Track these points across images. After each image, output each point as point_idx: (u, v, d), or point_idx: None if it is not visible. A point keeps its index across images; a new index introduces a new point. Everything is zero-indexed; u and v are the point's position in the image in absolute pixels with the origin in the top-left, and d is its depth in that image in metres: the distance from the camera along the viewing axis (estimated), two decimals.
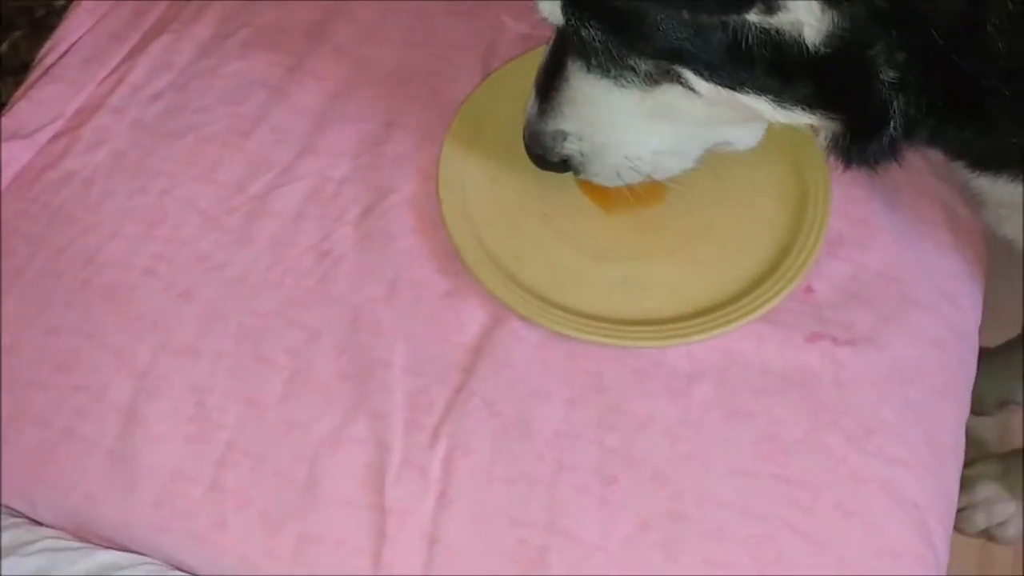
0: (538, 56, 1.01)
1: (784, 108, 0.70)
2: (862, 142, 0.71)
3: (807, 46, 0.65)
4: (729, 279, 0.90)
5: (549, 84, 0.80)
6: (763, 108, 0.70)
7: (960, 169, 0.82)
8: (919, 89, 0.68)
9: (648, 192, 0.93)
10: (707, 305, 0.89)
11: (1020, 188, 0.78)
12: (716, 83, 0.70)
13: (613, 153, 0.81)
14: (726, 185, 0.94)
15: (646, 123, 0.78)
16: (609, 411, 0.84)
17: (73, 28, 1.07)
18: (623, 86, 0.74)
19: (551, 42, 0.80)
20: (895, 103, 0.68)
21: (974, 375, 0.94)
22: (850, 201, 0.95)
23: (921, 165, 1.00)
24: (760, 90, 0.70)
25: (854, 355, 0.87)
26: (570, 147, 0.82)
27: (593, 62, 0.74)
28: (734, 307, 0.88)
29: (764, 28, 0.65)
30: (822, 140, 0.74)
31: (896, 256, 0.94)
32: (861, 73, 0.67)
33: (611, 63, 0.73)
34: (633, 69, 0.72)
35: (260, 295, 0.90)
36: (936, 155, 0.99)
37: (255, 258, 0.92)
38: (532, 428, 0.83)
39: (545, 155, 0.84)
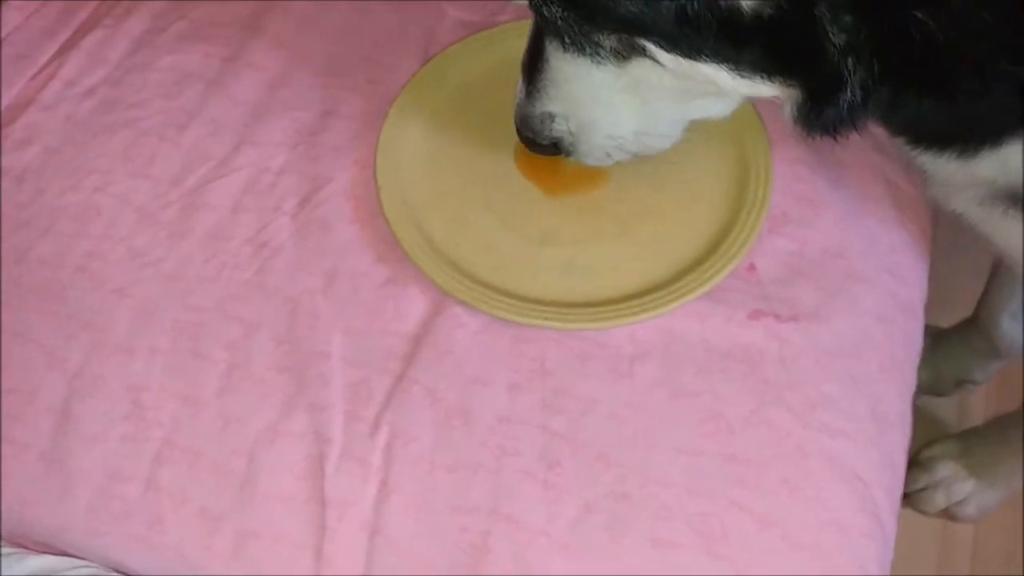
0: (476, 42, 1.02)
1: (743, 77, 0.69)
2: (820, 108, 0.69)
3: (746, 10, 0.64)
4: (671, 259, 0.90)
5: (533, 66, 0.79)
6: (722, 78, 0.69)
7: (904, 146, 0.82)
8: (870, 52, 0.65)
9: (592, 175, 0.93)
10: (649, 285, 0.88)
11: (964, 165, 0.77)
12: (676, 54, 0.69)
13: (597, 132, 0.81)
14: (669, 167, 0.93)
15: (624, 100, 0.77)
16: (553, 395, 0.83)
17: (3, 25, 1.05)
18: (599, 63, 0.73)
19: (532, 24, 0.79)
20: (848, 67, 0.66)
21: (920, 349, 0.93)
22: (794, 179, 0.95)
23: (865, 142, 0.99)
24: (716, 58, 0.68)
25: (797, 331, 0.87)
26: (558, 128, 0.82)
27: (567, 40, 0.73)
28: (676, 286, 0.87)
29: None
30: (787, 111, 0.73)
31: (840, 232, 0.93)
32: (809, 36, 0.65)
33: (582, 40, 0.72)
34: (600, 44, 0.72)
35: (196, 290, 0.89)
36: (880, 131, 1.00)
37: (191, 252, 0.91)
38: (474, 415, 0.82)
39: (535, 138, 0.83)
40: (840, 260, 0.92)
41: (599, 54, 0.73)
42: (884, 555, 0.81)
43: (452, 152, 0.96)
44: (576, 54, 0.74)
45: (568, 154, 0.84)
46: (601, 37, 0.71)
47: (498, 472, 0.80)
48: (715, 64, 0.68)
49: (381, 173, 0.93)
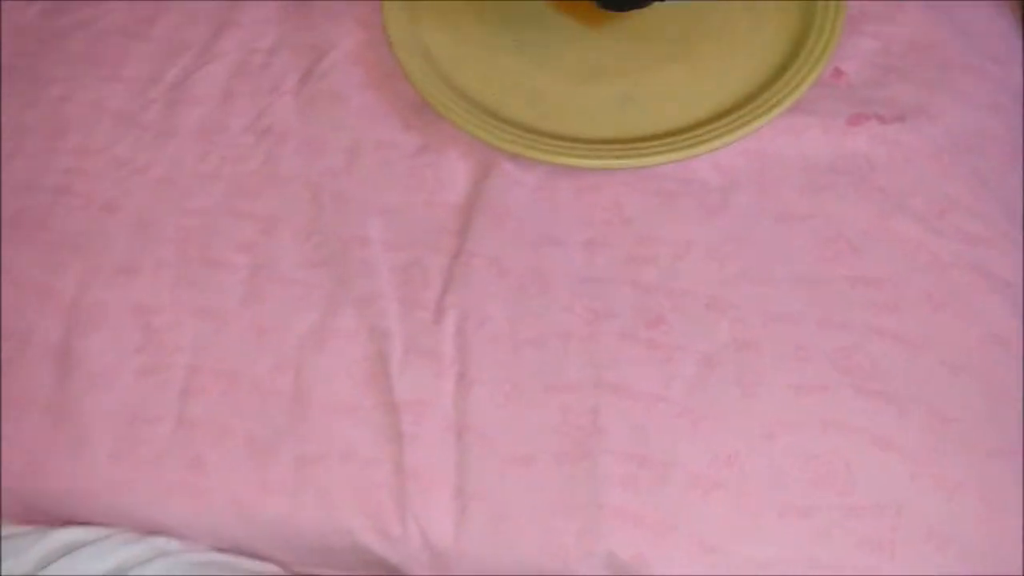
0: None
1: None
2: None
3: None
4: (745, 75, 0.77)
5: None
6: None
7: None
8: None
9: None
10: (726, 106, 0.75)
11: None
12: None
13: None
14: None
15: None
16: (638, 244, 0.70)
17: None
18: None
19: None
20: None
21: None
22: None
23: None
24: None
25: (906, 131, 0.74)
26: None
27: None
28: (757, 102, 0.74)
29: None
30: None
31: (926, 22, 0.81)
32: None
33: None
34: None
35: (196, 191, 0.75)
36: None
37: (182, 152, 0.77)
38: (552, 279, 0.69)
39: None
40: (933, 51, 0.79)
41: None
42: None
43: None
44: None
45: None
46: None
47: (592, 339, 0.67)
48: None
49: (393, 31, 0.79)
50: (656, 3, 0.77)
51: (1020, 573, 0.60)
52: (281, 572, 0.67)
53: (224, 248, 0.72)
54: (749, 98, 0.75)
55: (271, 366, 0.68)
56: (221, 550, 0.66)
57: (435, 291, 0.70)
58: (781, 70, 0.76)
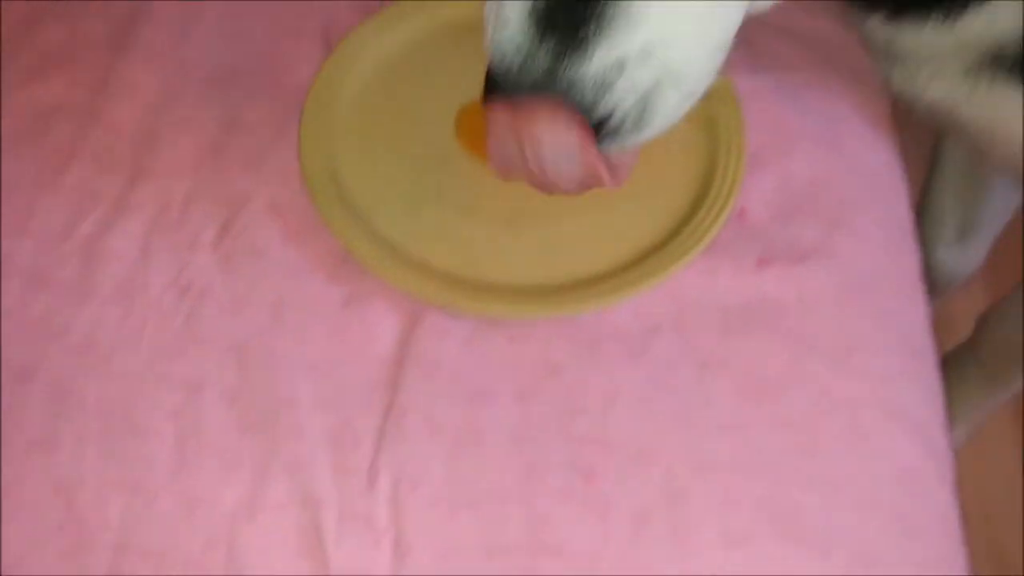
0: (383, 20, 0.89)
1: None
2: None
3: None
4: (658, 219, 0.80)
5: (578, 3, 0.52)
6: None
7: (881, 26, 0.73)
8: None
9: None
10: (643, 251, 0.78)
11: (948, 30, 0.68)
12: None
13: (702, 52, 0.55)
14: None
15: None
16: (568, 395, 0.72)
17: None
18: None
19: None
20: None
21: (920, 268, 0.86)
22: (759, 112, 0.86)
23: (819, 64, 0.92)
24: None
25: (810, 272, 0.78)
26: (628, 83, 0.53)
27: None
28: (673, 245, 0.77)
29: None
30: None
31: (821, 159, 0.86)
32: None
33: None
34: None
35: (117, 355, 0.73)
36: (837, 38, 0.93)
37: (102, 312, 0.75)
38: (485, 436, 0.70)
39: (590, 110, 0.54)
40: (828, 188, 0.84)
41: None
42: (956, 497, 0.74)
43: (386, 142, 0.83)
44: None
45: (618, 134, 0.57)
46: None
47: (530, 498, 0.68)
48: None
49: (312, 181, 0.79)
50: None
51: None
52: None
53: (150, 416, 0.71)
54: (664, 242, 0.78)
55: (202, 543, 0.66)
56: None
57: (367, 452, 0.70)
58: (691, 212, 0.80)
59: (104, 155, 0.84)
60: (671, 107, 0.57)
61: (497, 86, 0.55)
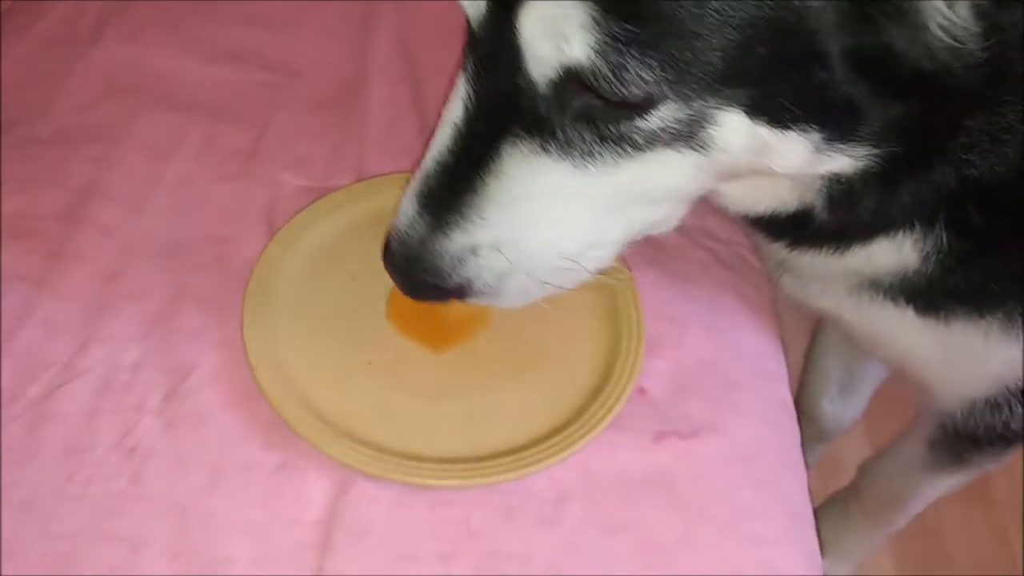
0: (324, 206, 0.99)
1: (823, 149, 0.63)
2: (885, 185, 0.69)
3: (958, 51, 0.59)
4: (569, 396, 0.89)
5: (453, 187, 0.66)
6: (792, 155, 0.63)
7: (780, 249, 0.86)
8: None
9: (471, 324, 0.92)
10: (556, 425, 0.87)
11: (838, 259, 0.82)
12: (769, 122, 0.61)
13: (543, 257, 0.69)
14: (540, 309, 0.93)
15: (593, 210, 0.67)
16: (486, 557, 0.79)
17: None
18: (585, 165, 0.64)
19: (452, 132, 0.67)
20: (959, 152, 0.68)
21: (800, 441, 0.97)
22: (654, 302, 0.98)
23: (708, 258, 1.05)
24: (825, 123, 0.62)
25: (700, 446, 0.88)
26: (481, 263, 0.68)
27: (557, 135, 0.63)
28: (582, 421, 0.87)
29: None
30: (817, 193, 0.72)
31: (709, 345, 0.97)
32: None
33: (587, 131, 0.62)
34: (623, 134, 0.62)
35: (61, 513, 0.77)
36: (721, 245, 1.06)
37: (48, 471, 0.79)
38: None
39: (442, 281, 0.69)
40: (716, 371, 0.95)
41: (595, 152, 0.63)
42: None
43: (322, 319, 0.91)
44: (557, 156, 0.64)
45: (474, 296, 0.72)
46: (646, 118, 0.60)
47: None
48: (807, 134, 0.62)
49: (252, 352, 0.86)
50: (491, 329, 0.90)
51: None
52: None
53: (92, 572, 0.74)
54: (574, 417, 0.87)
55: None
56: None
57: None
58: (597, 391, 0.89)
59: (54, 321, 0.89)
60: (523, 286, 0.72)
61: (389, 246, 0.72)
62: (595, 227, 0.72)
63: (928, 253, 0.79)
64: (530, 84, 0.62)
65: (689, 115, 0.61)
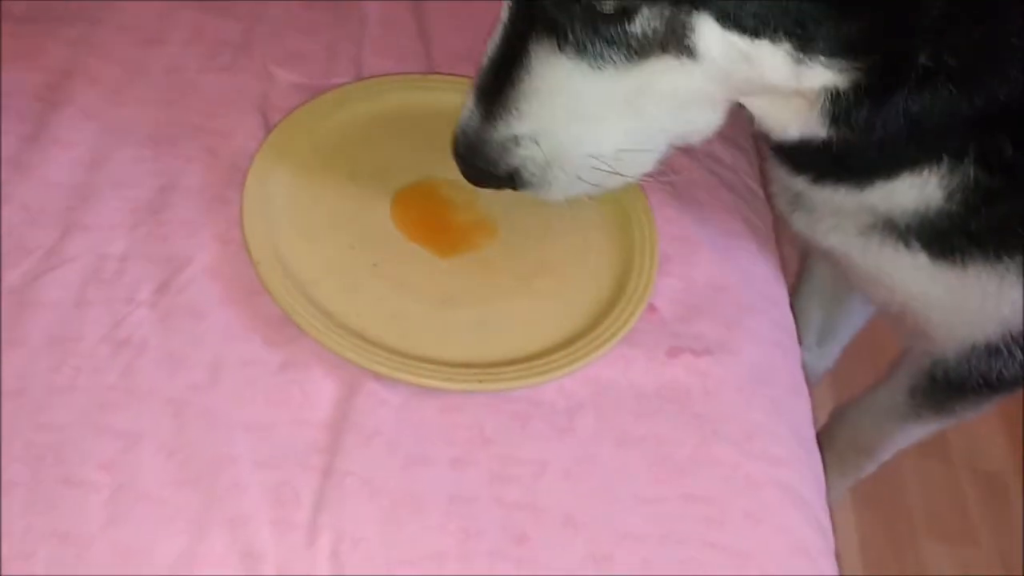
0: (323, 104, 0.94)
1: (801, 60, 0.66)
2: (876, 101, 0.69)
3: None
4: (580, 310, 0.86)
5: (498, 82, 0.71)
6: (776, 64, 0.66)
7: (803, 183, 0.85)
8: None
9: (479, 231, 0.89)
10: (569, 336, 0.84)
11: (856, 195, 0.81)
12: (735, 31, 0.64)
13: (576, 153, 0.73)
14: (551, 221, 0.91)
15: (616, 112, 0.72)
16: (501, 463, 0.76)
17: None
18: (599, 67, 0.68)
19: (501, 32, 0.72)
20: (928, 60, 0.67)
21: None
22: (664, 221, 0.95)
23: (714, 182, 1.03)
24: (785, 35, 0.64)
25: (715, 364, 0.86)
26: (524, 154, 0.73)
27: (569, 37, 0.67)
28: (596, 333, 0.84)
29: None
30: (817, 103, 0.71)
31: (719, 267, 0.95)
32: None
33: (591, 35, 0.66)
34: (616, 40, 0.67)
35: (49, 405, 0.72)
36: (731, 174, 1.04)
37: (32, 361, 0.74)
38: (423, 499, 0.72)
39: (491, 168, 0.74)
40: (726, 293, 0.93)
41: (605, 54, 0.67)
42: (836, 571, 0.81)
43: (325, 219, 0.87)
44: (574, 56, 0.68)
45: (525, 187, 0.76)
46: (632, 25, 0.66)
47: (465, 558, 0.70)
48: (777, 44, 0.65)
49: (255, 248, 0.81)
50: (500, 238, 0.87)
51: None
52: None
53: (82, 466, 0.69)
54: (586, 330, 0.84)
55: None
56: None
57: (307, 511, 0.70)
58: (610, 306, 0.87)
59: (35, 206, 0.83)
60: (563, 182, 0.76)
61: (455, 134, 0.76)
62: (624, 131, 0.74)
63: (953, 190, 0.78)
64: None
65: (667, 22, 0.66)
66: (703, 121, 0.77)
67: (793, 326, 0.97)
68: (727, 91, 0.73)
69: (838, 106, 0.72)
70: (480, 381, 0.78)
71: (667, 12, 0.65)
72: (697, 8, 0.65)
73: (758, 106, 0.78)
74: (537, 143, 0.73)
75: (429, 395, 0.78)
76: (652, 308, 0.89)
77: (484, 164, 0.75)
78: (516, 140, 0.73)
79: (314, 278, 0.82)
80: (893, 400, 1.15)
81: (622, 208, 0.93)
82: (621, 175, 0.76)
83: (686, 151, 1.05)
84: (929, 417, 1.13)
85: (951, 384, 1.03)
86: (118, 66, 0.94)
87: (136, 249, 0.82)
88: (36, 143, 0.87)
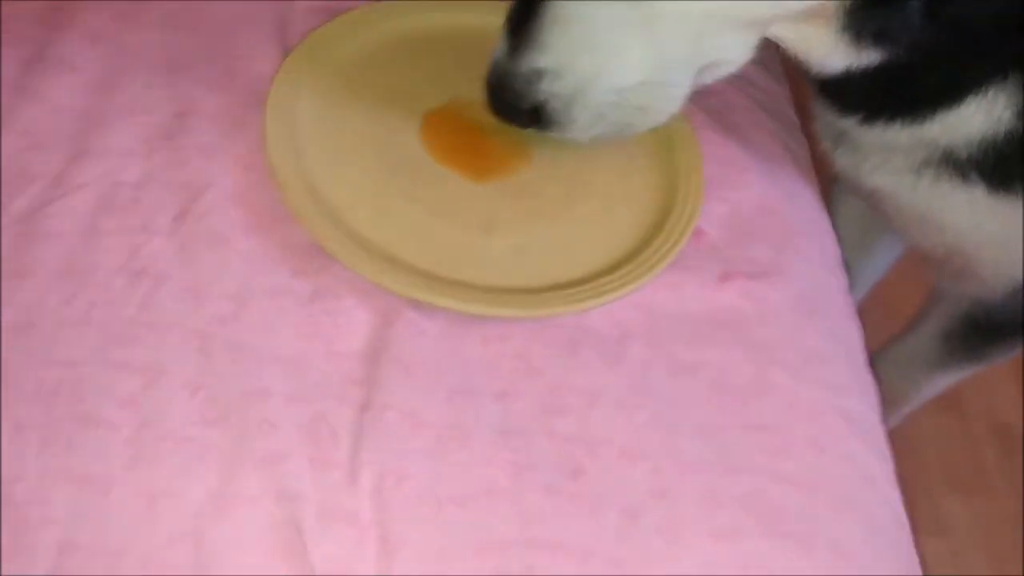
0: (346, 23, 0.89)
1: None
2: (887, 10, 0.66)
3: None
4: (626, 234, 0.81)
5: (525, 13, 0.69)
6: None
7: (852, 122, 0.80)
8: None
9: (513, 156, 0.83)
10: (614, 261, 0.78)
11: (914, 129, 0.77)
12: None
13: (597, 88, 0.70)
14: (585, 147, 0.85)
15: (636, 42, 0.68)
16: (551, 394, 0.70)
17: None
18: None
19: None
20: None
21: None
22: (707, 144, 0.90)
23: (752, 104, 0.97)
24: None
25: (769, 288, 0.81)
26: (547, 88, 0.70)
27: None
28: (643, 257, 0.79)
29: None
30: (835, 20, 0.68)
31: (766, 191, 0.90)
32: None
33: None
34: None
35: (62, 339, 0.66)
36: (767, 85, 0.99)
37: (42, 293, 0.68)
38: (470, 432, 0.67)
39: (517, 101, 0.71)
40: (775, 216, 0.88)
41: None
42: (900, 499, 0.77)
43: (353, 143, 0.81)
44: None
45: (550, 123, 0.72)
46: None
47: (518, 493, 0.65)
48: None
49: (280, 173, 0.76)
50: (534, 163, 0.81)
51: None
52: None
53: (101, 404, 0.64)
54: (632, 255, 0.79)
55: (165, 539, 0.60)
56: None
57: (346, 447, 0.65)
58: (656, 230, 0.81)
59: (39, 131, 0.77)
60: (586, 120, 0.72)
61: (490, 64, 0.73)
62: (644, 60, 0.70)
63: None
64: None
65: None
66: (726, 51, 0.73)
67: (839, 253, 0.91)
68: (737, 9, 0.69)
69: (856, 19, 0.69)
70: (524, 307, 0.73)
71: None
72: None
73: (784, 37, 0.75)
74: (560, 77, 0.70)
75: (470, 324, 0.73)
76: (700, 232, 0.84)
77: (509, 97, 0.71)
78: (540, 74, 0.70)
79: (345, 204, 0.76)
80: (924, 347, 1.11)
81: (664, 130, 0.87)
82: (646, 113, 0.73)
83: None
84: (962, 363, 1.10)
85: (992, 326, 0.99)
86: None
87: (152, 176, 0.76)
88: (39, 66, 0.81)
